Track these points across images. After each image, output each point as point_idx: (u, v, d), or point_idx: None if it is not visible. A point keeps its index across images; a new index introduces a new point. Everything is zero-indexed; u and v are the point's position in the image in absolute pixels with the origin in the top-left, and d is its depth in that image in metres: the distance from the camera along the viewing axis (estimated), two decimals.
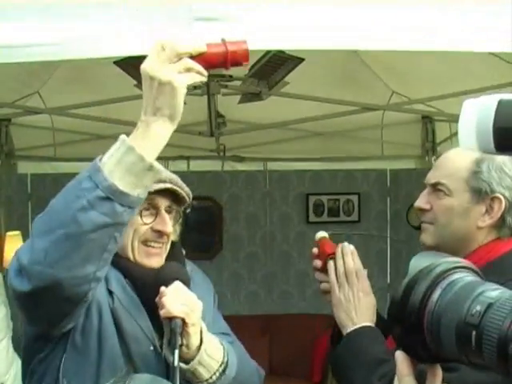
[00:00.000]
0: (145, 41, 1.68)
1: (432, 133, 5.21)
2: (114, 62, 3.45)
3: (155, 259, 1.88)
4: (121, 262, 1.84)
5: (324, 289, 1.95)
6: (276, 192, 6.79)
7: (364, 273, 1.90)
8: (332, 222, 6.56)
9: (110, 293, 1.81)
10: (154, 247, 1.87)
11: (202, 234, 6.95)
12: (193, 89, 3.76)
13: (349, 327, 1.83)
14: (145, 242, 1.86)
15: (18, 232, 5.65)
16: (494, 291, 0.83)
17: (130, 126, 4.87)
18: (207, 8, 1.69)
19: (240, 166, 5.77)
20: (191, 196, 1.94)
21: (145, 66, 1.42)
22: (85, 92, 4.33)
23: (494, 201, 1.75)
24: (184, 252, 2.06)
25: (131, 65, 3.39)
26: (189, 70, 1.42)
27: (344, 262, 1.88)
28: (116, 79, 3.80)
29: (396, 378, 0.95)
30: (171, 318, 1.70)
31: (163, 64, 1.40)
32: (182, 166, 5.75)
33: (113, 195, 1.41)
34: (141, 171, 1.44)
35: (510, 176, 1.76)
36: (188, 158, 5.64)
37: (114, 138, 4.73)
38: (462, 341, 0.83)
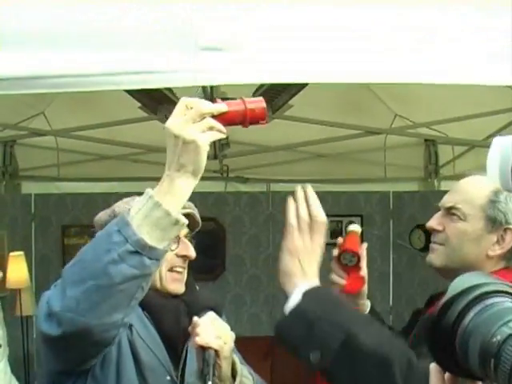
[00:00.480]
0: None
1: (435, 155, 5.23)
2: None
3: (179, 285, 1.96)
4: None
5: (333, 280, 1.95)
6: (279, 214, 6.79)
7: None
8: (335, 244, 6.52)
9: (129, 325, 1.83)
10: (178, 272, 1.95)
11: (205, 255, 6.94)
12: None
13: (299, 279, 1.58)
14: (171, 269, 1.94)
15: (21, 252, 5.67)
16: None
17: (132, 147, 4.91)
18: (213, 38, 1.71)
19: (243, 188, 5.78)
20: (200, 222, 2.03)
21: (170, 125, 1.48)
22: (89, 113, 4.36)
23: (507, 232, 1.79)
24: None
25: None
26: (211, 128, 1.50)
27: (312, 210, 1.65)
28: (120, 101, 3.82)
29: None
30: (205, 348, 1.72)
31: (187, 123, 1.47)
32: None
33: (142, 249, 1.46)
34: (167, 225, 1.49)
35: None
36: None
37: (117, 158, 4.76)
38: (484, 366, 0.86)
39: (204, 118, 1.48)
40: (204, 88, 2.96)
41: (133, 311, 1.59)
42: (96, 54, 1.74)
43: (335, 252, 1.97)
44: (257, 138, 4.66)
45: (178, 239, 1.93)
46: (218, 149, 4.21)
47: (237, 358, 1.85)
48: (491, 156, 0.86)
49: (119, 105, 4.02)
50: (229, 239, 6.96)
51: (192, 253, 1.97)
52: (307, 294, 1.56)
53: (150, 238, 1.46)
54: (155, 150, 4.89)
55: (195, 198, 6.43)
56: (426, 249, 6.70)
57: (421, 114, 4.50)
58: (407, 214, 6.62)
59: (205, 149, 1.51)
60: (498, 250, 1.79)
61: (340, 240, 1.98)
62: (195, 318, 1.78)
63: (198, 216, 1.98)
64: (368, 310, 2.04)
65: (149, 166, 5.19)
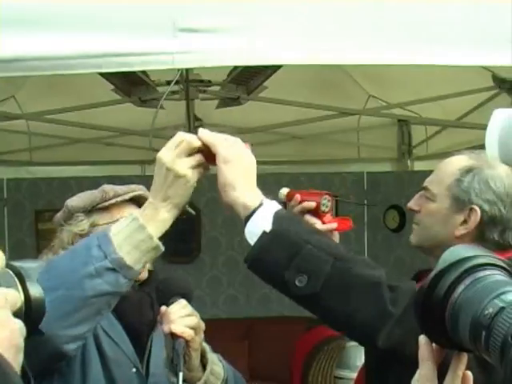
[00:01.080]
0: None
1: (408, 136, 5.26)
2: None
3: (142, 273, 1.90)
4: None
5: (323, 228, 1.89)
6: None
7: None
8: None
9: None
10: None
11: (180, 238, 6.92)
12: (171, 93, 3.76)
13: (253, 201, 1.57)
14: None
15: None
16: None
17: (106, 130, 4.86)
18: (191, 19, 1.69)
19: None
20: None
21: (162, 157, 1.52)
22: (61, 96, 4.31)
23: (472, 212, 1.75)
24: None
25: None
26: (200, 165, 1.56)
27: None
28: (93, 84, 3.78)
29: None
30: (175, 337, 1.71)
31: (180, 157, 1.52)
32: None
33: (119, 268, 1.47)
34: (147, 249, 1.51)
35: (495, 190, 1.74)
36: None
37: (90, 142, 4.72)
38: (475, 338, 0.86)
39: (194, 152, 1.53)
40: (178, 69, 2.94)
41: (95, 326, 1.61)
42: (72, 37, 1.72)
43: (310, 204, 1.89)
44: (231, 120, 4.64)
45: None
46: (192, 131, 4.19)
47: (207, 347, 1.83)
48: (491, 128, 0.84)
49: (92, 87, 3.98)
50: (204, 221, 6.94)
51: None
52: (280, 217, 1.53)
53: (128, 258, 1.48)
54: (129, 133, 4.85)
55: None
56: (400, 229, 6.78)
57: (394, 95, 4.51)
58: (381, 195, 6.65)
59: (193, 184, 1.57)
60: (462, 230, 1.77)
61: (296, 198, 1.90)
62: (163, 308, 1.75)
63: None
64: None
65: (122, 149, 5.15)
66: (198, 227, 6.93)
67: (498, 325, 0.82)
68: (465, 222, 1.77)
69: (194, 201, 6.37)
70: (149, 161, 5.58)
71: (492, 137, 0.84)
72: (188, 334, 1.71)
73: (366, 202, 6.90)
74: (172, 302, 1.76)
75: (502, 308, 0.83)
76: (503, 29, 1.92)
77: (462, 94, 3.95)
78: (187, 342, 1.71)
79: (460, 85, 3.88)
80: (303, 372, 6.01)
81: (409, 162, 5.35)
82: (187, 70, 2.65)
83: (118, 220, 1.85)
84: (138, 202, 1.94)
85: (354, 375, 2.65)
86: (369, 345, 1.56)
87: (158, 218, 1.55)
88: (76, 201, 1.97)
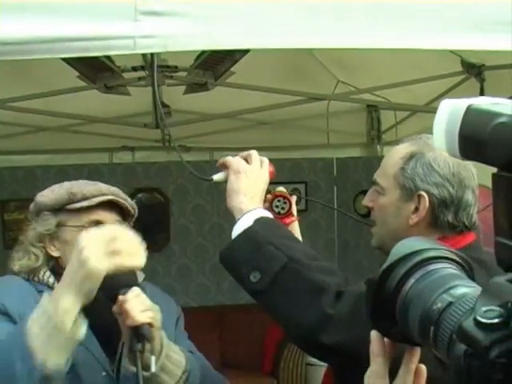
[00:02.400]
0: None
1: (377, 121, 5.25)
2: None
3: None
4: None
5: None
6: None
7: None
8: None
9: None
10: None
11: (149, 226, 6.87)
12: (137, 80, 3.70)
13: (247, 206, 1.72)
14: None
15: None
16: (461, 288, 0.83)
17: (71, 118, 4.78)
18: (153, 2, 1.64)
19: (186, 157, 5.71)
20: (136, 209, 1.97)
21: (90, 257, 1.56)
22: (24, 83, 4.21)
23: (420, 198, 1.71)
24: None
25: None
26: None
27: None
28: (57, 71, 3.70)
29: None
30: (137, 326, 1.67)
31: (105, 256, 1.58)
32: (126, 157, 5.68)
33: (46, 381, 1.54)
34: (68, 346, 1.58)
35: (439, 172, 1.70)
36: (133, 149, 5.58)
37: (56, 130, 4.63)
38: (423, 333, 0.85)
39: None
40: (144, 55, 2.88)
41: None
42: (30, 21, 1.66)
43: (266, 202, 1.91)
44: (199, 106, 4.59)
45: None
46: (160, 118, 4.13)
47: (163, 333, 1.78)
48: (438, 120, 0.82)
49: (56, 74, 3.90)
50: (173, 209, 6.89)
51: None
52: (259, 220, 1.67)
53: (52, 358, 1.53)
54: (95, 121, 4.78)
55: (138, 168, 6.41)
56: (370, 214, 6.78)
57: (363, 80, 4.49)
58: (351, 180, 6.66)
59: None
60: (415, 218, 1.72)
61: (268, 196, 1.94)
62: (121, 297, 1.71)
63: (123, 202, 1.90)
64: None
65: (89, 136, 5.08)
66: (167, 215, 6.88)
67: (446, 320, 0.80)
68: (416, 209, 1.72)
69: (162, 189, 6.34)
70: (116, 148, 5.52)
71: (439, 129, 0.81)
72: (148, 317, 1.69)
73: (335, 188, 6.91)
74: (123, 293, 1.71)
75: (451, 303, 0.81)
76: (471, 13, 1.90)
77: (431, 79, 3.94)
78: (150, 324, 1.69)
79: (429, 70, 3.87)
80: (275, 359, 6.02)
81: (378, 147, 5.34)
82: (152, 55, 2.59)
83: (82, 225, 1.84)
84: (115, 206, 1.90)
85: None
86: (306, 347, 1.65)
87: (65, 306, 1.57)
88: (45, 197, 1.92)
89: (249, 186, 1.77)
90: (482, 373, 0.70)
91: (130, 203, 1.93)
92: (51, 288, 1.83)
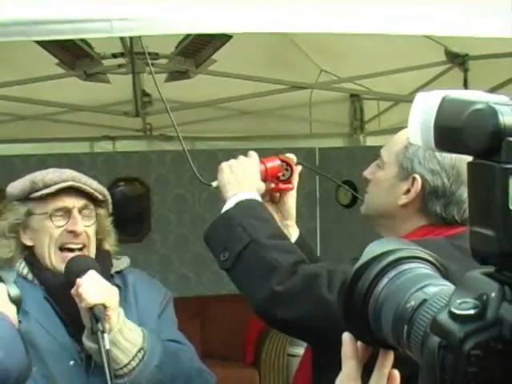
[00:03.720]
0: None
1: (360, 111, 5.23)
2: (35, 41, 3.29)
3: None
4: (41, 276, 1.87)
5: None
6: (205, 172, 6.68)
7: None
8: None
9: (25, 313, 1.78)
10: (71, 251, 1.88)
11: (130, 216, 6.82)
12: (117, 67, 3.65)
13: (235, 190, 1.83)
14: (61, 247, 1.88)
15: None
16: (435, 287, 0.81)
17: (51, 106, 4.71)
18: None
19: (167, 146, 5.67)
20: (106, 193, 1.98)
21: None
22: (2, 71, 4.14)
23: (414, 181, 1.69)
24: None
25: (52, 42, 3.25)
26: None
27: None
28: (36, 58, 3.64)
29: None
30: (92, 307, 1.71)
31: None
32: (107, 146, 5.63)
33: None
34: None
35: (439, 160, 1.68)
36: (113, 139, 5.52)
37: (36, 118, 4.56)
38: (397, 333, 0.83)
39: None
40: (123, 41, 2.83)
41: None
42: (3, 3, 1.61)
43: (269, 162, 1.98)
44: (180, 94, 4.53)
45: (68, 214, 1.88)
46: (141, 106, 4.08)
47: (121, 311, 1.80)
48: (413, 112, 0.81)
49: (35, 61, 3.84)
50: (154, 199, 6.85)
51: (78, 227, 1.87)
52: (239, 203, 1.77)
53: None
54: (76, 109, 4.72)
55: (118, 157, 6.34)
56: (352, 204, 6.80)
57: (346, 70, 4.46)
58: (333, 170, 6.63)
59: None
60: (404, 200, 1.70)
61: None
62: (78, 280, 1.75)
63: (89, 188, 1.91)
64: (296, 234, 2.07)
65: (69, 125, 5.02)
66: (148, 205, 6.83)
67: (420, 318, 0.78)
68: (408, 191, 1.70)
69: (143, 178, 6.28)
70: (96, 137, 5.46)
71: (414, 122, 0.80)
72: (102, 297, 1.72)
73: (317, 178, 6.89)
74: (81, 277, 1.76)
75: (425, 300, 0.79)
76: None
77: (415, 69, 3.92)
78: (104, 305, 1.72)
79: (413, 59, 3.85)
80: (256, 350, 6.00)
81: (361, 137, 5.32)
82: (131, 41, 2.54)
83: (47, 212, 1.85)
84: (81, 191, 1.90)
85: None
86: (264, 321, 1.74)
87: None
88: (13, 188, 1.93)
89: (233, 175, 1.85)
90: (456, 366, 0.68)
91: (95, 188, 1.93)
92: (26, 279, 1.84)
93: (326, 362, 1.70)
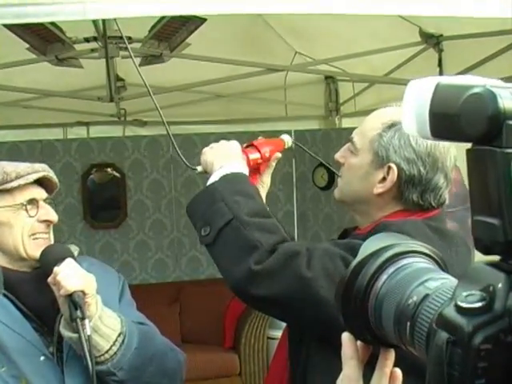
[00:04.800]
0: None
1: (335, 93, 5.23)
2: (3, 25, 3.23)
3: None
4: None
5: None
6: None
7: None
8: None
9: None
10: (42, 238, 1.87)
11: (105, 202, 6.77)
12: (89, 51, 3.60)
13: (221, 163, 1.80)
14: (33, 235, 1.86)
15: None
16: (436, 281, 0.79)
17: (23, 92, 4.63)
18: None
19: (142, 131, 5.63)
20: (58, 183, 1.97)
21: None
22: None
23: (390, 170, 1.67)
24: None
25: (22, 27, 3.19)
26: None
27: None
28: (5, 43, 3.57)
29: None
30: (71, 294, 1.70)
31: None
32: (81, 132, 5.58)
33: None
34: None
35: (415, 148, 1.65)
36: (87, 124, 5.48)
37: (7, 105, 4.47)
38: (399, 330, 0.80)
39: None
40: (96, 25, 2.79)
41: None
42: None
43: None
44: (154, 79, 4.47)
45: (36, 204, 1.87)
46: (114, 92, 4.03)
47: (99, 298, 1.80)
48: (406, 101, 0.78)
49: (5, 46, 3.76)
50: (129, 185, 6.80)
51: (53, 217, 1.88)
52: (225, 177, 1.74)
53: None
54: (48, 94, 4.66)
55: (92, 143, 6.27)
56: (328, 186, 6.81)
57: (321, 51, 4.45)
58: None
59: None
60: (380, 189, 1.68)
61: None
62: (55, 268, 1.74)
63: (54, 177, 1.91)
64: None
65: (42, 112, 4.96)
66: (124, 191, 6.78)
67: (423, 313, 0.76)
68: (384, 179, 1.68)
69: (118, 164, 6.22)
70: (70, 123, 5.41)
71: (408, 111, 0.77)
72: (80, 284, 1.72)
73: (294, 160, 6.89)
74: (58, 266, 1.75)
75: (427, 295, 0.77)
76: None
77: (389, 50, 3.91)
78: (82, 292, 1.71)
79: (387, 40, 3.84)
80: (235, 334, 6.01)
81: (336, 119, 5.32)
82: (104, 24, 2.50)
83: (19, 203, 1.80)
84: (41, 183, 1.89)
85: None
86: (240, 298, 1.71)
87: None
88: None
89: (217, 153, 1.83)
90: (466, 361, 0.66)
91: (54, 179, 1.93)
92: None
93: (300, 339, 1.71)
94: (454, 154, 1.70)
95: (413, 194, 1.67)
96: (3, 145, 5.86)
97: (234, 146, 1.87)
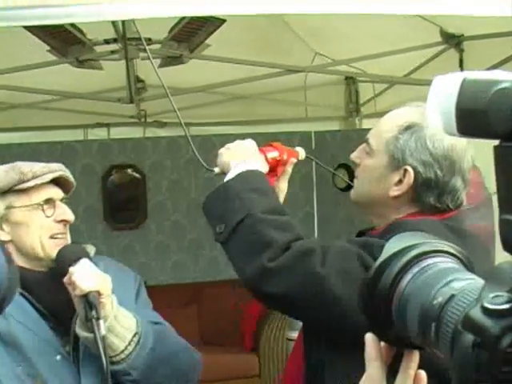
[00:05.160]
0: None
1: (355, 94, 5.21)
2: (25, 27, 3.25)
3: None
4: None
5: None
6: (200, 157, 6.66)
7: None
8: None
9: (5, 316, 1.74)
10: (60, 238, 1.87)
11: (125, 203, 6.79)
12: (109, 53, 3.61)
13: (237, 161, 1.79)
14: (52, 236, 1.86)
15: None
16: (462, 281, 0.77)
17: (43, 93, 4.66)
18: None
19: (162, 132, 5.64)
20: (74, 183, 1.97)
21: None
22: None
23: (406, 172, 1.65)
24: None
25: (44, 29, 3.21)
26: None
27: None
28: (27, 45, 3.60)
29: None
30: (86, 294, 1.71)
31: None
32: (101, 133, 5.60)
33: None
34: None
35: (431, 151, 1.63)
36: (108, 126, 5.49)
37: (28, 107, 4.50)
38: (424, 331, 0.78)
39: None
40: (116, 26, 2.79)
41: None
42: None
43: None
44: (174, 80, 4.48)
45: (53, 204, 1.87)
46: (134, 93, 4.05)
47: (114, 298, 1.80)
48: (432, 97, 0.76)
49: (26, 49, 3.79)
50: (149, 186, 6.82)
51: (70, 216, 1.89)
52: (240, 174, 1.73)
53: None
54: (69, 96, 4.68)
55: (113, 144, 6.29)
56: (348, 188, 6.77)
57: (340, 52, 4.43)
58: (329, 154, 6.60)
59: None
60: (396, 191, 1.66)
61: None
62: (70, 269, 1.75)
63: (70, 177, 1.92)
64: None
65: (63, 113, 4.98)
66: (143, 192, 6.80)
67: (449, 314, 0.74)
68: (400, 182, 1.66)
69: (138, 165, 6.24)
70: (91, 124, 5.43)
71: (434, 107, 0.75)
72: (96, 284, 1.72)
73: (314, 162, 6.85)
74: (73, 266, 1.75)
75: (452, 296, 0.75)
76: None
77: (410, 50, 3.89)
78: (98, 292, 1.72)
79: (407, 41, 3.82)
80: (255, 335, 6.00)
81: (357, 120, 5.30)
82: (124, 26, 2.50)
83: (36, 203, 1.82)
84: (58, 182, 1.89)
85: None
86: (253, 295, 1.68)
87: None
88: None
89: (233, 153, 1.81)
90: (492, 364, 0.64)
91: (70, 178, 1.94)
92: None
93: (314, 338, 1.70)
94: (472, 154, 1.68)
95: (429, 196, 1.66)
96: (24, 146, 5.89)
97: (250, 145, 1.85)
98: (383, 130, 1.72)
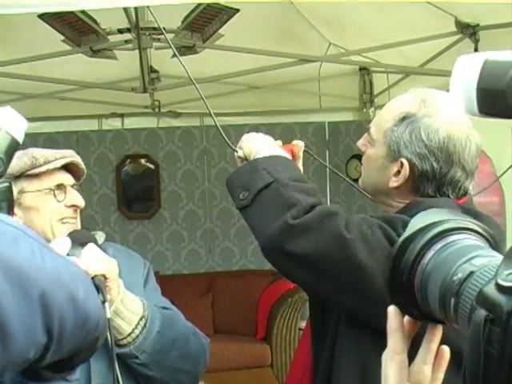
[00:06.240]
0: None
1: (370, 84, 5.18)
2: (39, 17, 3.26)
3: None
4: None
5: None
6: (213, 148, 6.70)
7: None
8: None
9: None
10: (70, 223, 1.89)
11: (139, 193, 6.82)
12: (123, 43, 3.61)
13: (264, 148, 1.81)
14: (61, 220, 1.88)
15: None
16: (484, 258, 0.78)
17: (58, 83, 4.66)
18: None
19: (176, 122, 5.65)
20: (85, 169, 1.99)
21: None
22: (8, 49, 4.12)
23: (403, 164, 1.65)
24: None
25: (57, 19, 3.22)
26: None
27: None
28: (41, 35, 3.61)
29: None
30: (92, 278, 1.71)
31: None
32: (116, 123, 5.61)
33: None
34: None
35: (426, 143, 1.62)
36: (122, 116, 5.51)
37: (43, 97, 4.52)
38: (444, 306, 0.80)
39: None
40: (128, 14, 2.78)
41: None
42: None
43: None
44: (188, 69, 4.50)
45: (64, 189, 1.89)
46: (148, 83, 4.05)
47: (121, 282, 1.81)
48: (454, 77, 0.76)
49: (41, 38, 3.81)
50: (163, 175, 6.84)
51: (80, 202, 1.91)
52: (270, 155, 1.74)
53: None
54: (84, 86, 4.69)
55: (127, 134, 6.32)
56: None
57: (355, 42, 4.41)
58: (343, 144, 6.61)
59: None
60: (395, 183, 1.66)
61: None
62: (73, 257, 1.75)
63: (81, 163, 1.95)
64: None
65: (78, 103, 5.00)
66: (157, 182, 6.82)
67: (467, 290, 0.75)
68: (398, 173, 1.66)
69: (152, 155, 6.26)
70: (105, 114, 5.44)
71: (456, 86, 0.76)
72: (102, 268, 1.73)
73: (327, 152, 6.85)
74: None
75: (472, 272, 0.76)
76: None
77: (424, 40, 3.86)
78: (104, 276, 1.73)
79: (422, 30, 3.79)
80: (268, 325, 6.02)
81: (371, 111, 5.27)
82: (137, 15, 2.50)
83: (47, 188, 1.85)
84: (69, 169, 1.92)
85: None
86: (270, 257, 1.64)
87: None
88: None
89: (255, 140, 1.85)
90: (503, 340, 0.65)
91: (81, 165, 1.96)
92: None
93: (326, 320, 1.69)
94: (478, 143, 1.66)
95: (428, 188, 1.65)
96: (40, 136, 5.92)
97: (263, 135, 1.89)
98: (382, 119, 1.72)
